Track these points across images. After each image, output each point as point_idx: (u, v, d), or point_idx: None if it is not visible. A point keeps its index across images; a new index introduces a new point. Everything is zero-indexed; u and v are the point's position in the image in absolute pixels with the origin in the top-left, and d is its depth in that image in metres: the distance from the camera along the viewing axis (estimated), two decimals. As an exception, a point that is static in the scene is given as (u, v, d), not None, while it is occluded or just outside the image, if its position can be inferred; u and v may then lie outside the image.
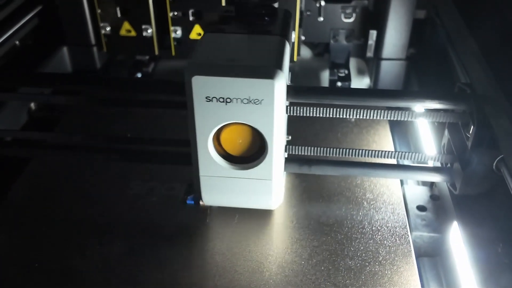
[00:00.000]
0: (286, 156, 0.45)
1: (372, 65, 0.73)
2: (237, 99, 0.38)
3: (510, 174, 0.37)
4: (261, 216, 0.47)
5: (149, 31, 0.67)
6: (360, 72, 0.76)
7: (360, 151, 0.44)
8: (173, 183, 0.50)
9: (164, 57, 0.73)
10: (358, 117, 0.42)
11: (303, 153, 0.45)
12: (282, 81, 0.38)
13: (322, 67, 0.77)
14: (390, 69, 0.70)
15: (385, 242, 0.44)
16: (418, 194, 0.51)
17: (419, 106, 0.43)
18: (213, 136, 0.41)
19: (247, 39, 0.42)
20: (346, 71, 0.72)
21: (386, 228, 0.45)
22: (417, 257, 0.44)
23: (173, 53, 0.69)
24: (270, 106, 0.39)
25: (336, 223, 0.46)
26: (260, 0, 0.45)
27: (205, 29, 0.44)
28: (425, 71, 0.67)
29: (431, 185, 0.52)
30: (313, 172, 0.47)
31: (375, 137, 0.57)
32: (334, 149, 0.45)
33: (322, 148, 0.45)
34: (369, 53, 0.71)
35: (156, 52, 0.69)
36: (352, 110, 0.42)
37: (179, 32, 0.67)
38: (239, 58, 0.39)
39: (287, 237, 0.45)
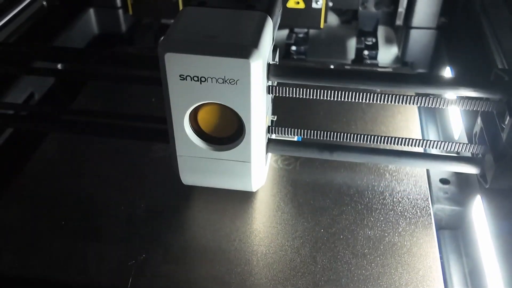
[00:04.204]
0: (273, 137, 0.44)
1: (401, 34, 0.71)
2: (212, 78, 0.36)
3: None
4: (282, 184, 0.47)
5: (175, -6, 0.66)
6: (388, 41, 0.74)
7: (382, 138, 0.42)
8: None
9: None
10: (363, 101, 0.39)
11: (290, 134, 0.43)
12: (259, 60, 0.36)
13: (349, 35, 0.75)
14: (420, 39, 0.68)
15: (405, 213, 0.44)
16: (441, 167, 0.50)
17: (451, 93, 0.40)
18: (190, 115, 0.40)
19: (228, 14, 0.39)
20: (374, 40, 0.70)
21: (407, 200, 0.45)
22: (437, 229, 0.44)
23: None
24: (247, 86, 0.36)
25: (357, 193, 0.46)
26: None
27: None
28: (456, 43, 0.65)
29: (456, 158, 0.52)
30: (311, 156, 0.45)
31: (403, 120, 0.55)
32: (327, 133, 0.42)
33: (310, 131, 0.43)
34: (399, 21, 0.69)
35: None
36: (353, 92, 0.39)
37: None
38: (216, 35, 0.37)
39: (307, 205, 0.45)
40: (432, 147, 0.42)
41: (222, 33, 0.37)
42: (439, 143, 0.42)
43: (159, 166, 0.49)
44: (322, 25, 0.67)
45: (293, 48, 0.69)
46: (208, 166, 0.42)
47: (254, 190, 0.44)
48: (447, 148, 0.42)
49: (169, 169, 0.45)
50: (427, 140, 0.42)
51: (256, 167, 0.42)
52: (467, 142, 0.47)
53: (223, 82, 0.36)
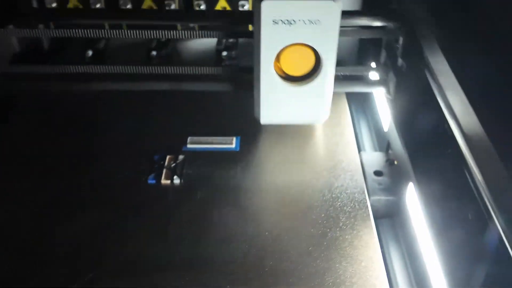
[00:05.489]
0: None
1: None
2: (300, 20, 0.44)
3: (432, 77, 0.43)
4: (223, 191, 0.47)
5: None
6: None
7: None
8: (132, 163, 0.50)
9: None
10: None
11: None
12: (340, 2, 0.44)
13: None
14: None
15: (344, 208, 0.46)
16: (374, 159, 0.52)
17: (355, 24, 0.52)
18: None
19: None
20: None
21: (345, 195, 0.47)
22: (375, 220, 0.46)
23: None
24: (330, 26, 0.45)
25: (297, 193, 0.47)
26: None
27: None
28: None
29: (387, 149, 0.54)
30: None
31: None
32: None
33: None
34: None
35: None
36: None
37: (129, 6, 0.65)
38: None
39: (249, 208, 0.45)
40: (348, 72, 0.55)
41: None
42: (354, 68, 0.56)
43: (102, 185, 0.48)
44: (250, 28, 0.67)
45: (224, 53, 0.69)
46: (286, 101, 0.50)
47: (321, 122, 0.53)
48: (359, 72, 0.55)
49: (111, 187, 0.43)
50: (344, 67, 0.55)
51: (328, 100, 0.51)
52: (395, 130, 0.50)
53: (309, 24, 0.45)
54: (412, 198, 0.46)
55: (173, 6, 0.65)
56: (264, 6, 0.44)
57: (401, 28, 0.50)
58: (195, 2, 0.65)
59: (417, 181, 0.46)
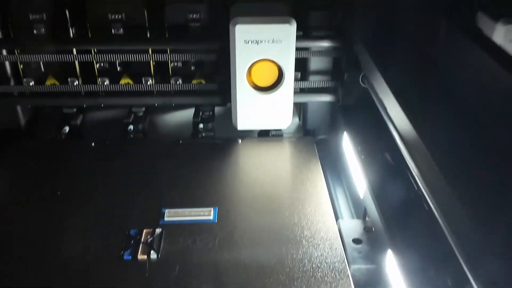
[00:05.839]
0: None
1: (299, 105, 0.75)
2: (265, 40, 0.56)
3: (369, 84, 0.55)
4: (201, 265, 0.46)
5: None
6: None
7: None
8: (108, 239, 0.48)
9: (91, 108, 0.72)
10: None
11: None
12: (294, 25, 0.56)
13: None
14: (317, 107, 0.73)
15: (325, 278, 0.45)
16: (352, 227, 0.53)
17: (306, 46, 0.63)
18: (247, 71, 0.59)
19: (263, 4, 0.60)
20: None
21: (325, 264, 0.46)
22: (357, 288, 0.45)
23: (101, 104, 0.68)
24: (288, 44, 0.57)
25: (277, 264, 0.46)
26: None
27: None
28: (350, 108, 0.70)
29: (364, 217, 0.55)
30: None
31: (306, 172, 0.59)
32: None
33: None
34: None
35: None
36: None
37: (107, 83, 0.66)
38: (264, 13, 0.57)
39: (229, 282, 0.44)
40: (306, 86, 0.66)
41: (268, 12, 0.57)
42: (310, 82, 0.66)
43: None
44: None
45: (201, 125, 0.70)
46: (257, 108, 0.61)
47: (285, 127, 0.64)
48: (318, 85, 0.66)
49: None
50: (303, 81, 0.67)
51: (290, 106, 0.62)
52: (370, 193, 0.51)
53: (273, 42, 0.56)
54: (392, 266, 0.46)
55: (149, 82, 0.67)
56: (237, 29, 0.56)
57: (343, 48, 0.63)
58: (172, 78, 0.68)
59: (395, 248, 0.46)
